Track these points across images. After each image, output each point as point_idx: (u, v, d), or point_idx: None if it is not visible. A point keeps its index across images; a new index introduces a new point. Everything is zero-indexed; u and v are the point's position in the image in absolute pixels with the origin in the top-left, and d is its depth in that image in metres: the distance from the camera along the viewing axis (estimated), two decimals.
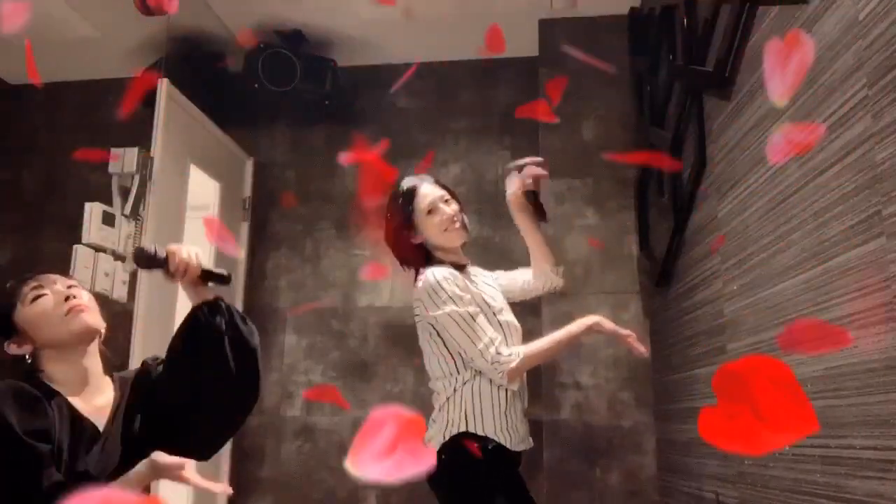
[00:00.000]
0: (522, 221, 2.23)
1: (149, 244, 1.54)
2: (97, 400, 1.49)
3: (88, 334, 1.50)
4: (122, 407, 1.51)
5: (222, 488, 1.49)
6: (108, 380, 1.56)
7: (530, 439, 2.09)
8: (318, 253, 3.64)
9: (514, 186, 2.21)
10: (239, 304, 3.59)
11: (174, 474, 1.37)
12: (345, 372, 3.48)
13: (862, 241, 1.33)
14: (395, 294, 3.54)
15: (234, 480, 3.40)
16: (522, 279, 2.29)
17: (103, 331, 1.55)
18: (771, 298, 1.72)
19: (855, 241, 1.35)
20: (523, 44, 3.43)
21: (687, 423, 2.42)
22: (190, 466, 1.40)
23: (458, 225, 2.11)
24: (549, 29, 3.32)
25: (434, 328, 2.02)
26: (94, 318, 1.50)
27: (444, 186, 2.18)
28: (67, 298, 1.48)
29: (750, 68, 1.90)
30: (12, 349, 1.49)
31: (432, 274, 2.01)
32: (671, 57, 2.63)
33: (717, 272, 2.11)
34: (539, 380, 2.97)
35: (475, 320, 1.97)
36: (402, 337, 3.40)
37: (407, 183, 2.16)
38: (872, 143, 1.29)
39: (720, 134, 2.12)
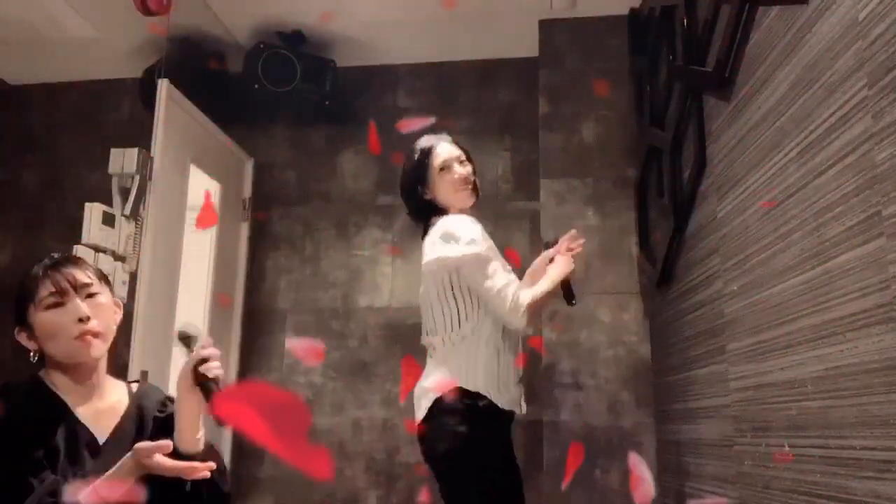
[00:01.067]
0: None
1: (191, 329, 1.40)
2: (99, 403, 1.47)
3: (94, 362, 1.45)
4: (130, 428, 1.46)
5: (207, 467, 1.34)
6: (111, 381, 1.53)
7: (524, 405, 2.15)
8: (317, 253, 3.64)
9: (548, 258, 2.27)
10: (239, 305, 3.60)
11: (158, 462, 1.27)
12: (345, 372, 3.48)
13: (862, 241, 1.33)
14: (395, 294, 3.54)
15: (235, 480, 3.41)
16: None
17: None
18: (771, 299, 1.72)
19: (855, 242, 1.35)
20: (523, 44, 3.43)
21: (687, 424, 2.42)
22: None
23: (469, 186, 2.20)
24: (549, 29, 3.32)
25: (448, 276, 2.05)
26: (103, 345, 1.44)
27: (462, 148, 2.26)
28: (81, 320, 1.40)
29: (750, 69, 1.90)
30: (21, 339, 1.44)
31: (454, 219, 2.10)
32: (671, 57, 2.63)
33: (718, 272, 2.11)
34: (539, 380, 2.97)
35: (493, 265, 2.04)
36: (402, 337, 3.40)
37: (425, 141, 2.25)
38: (872, 144, 1.29)
39: (720, 134, 2.12)
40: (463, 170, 2.20)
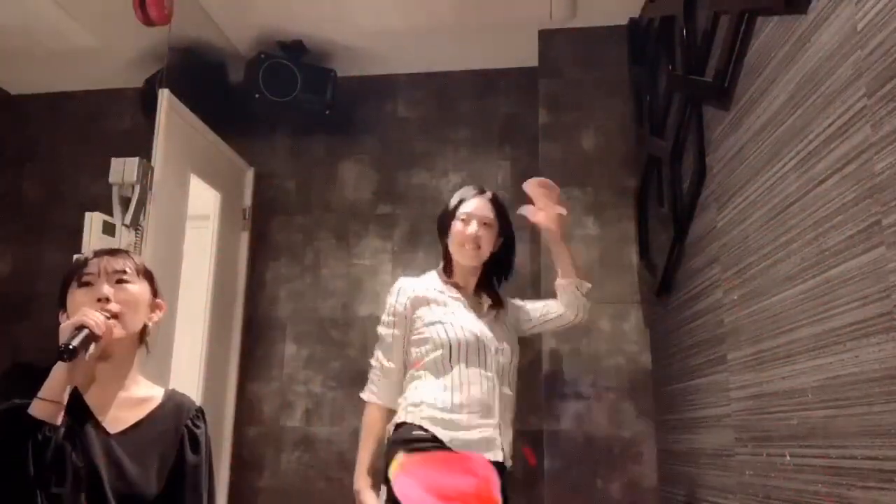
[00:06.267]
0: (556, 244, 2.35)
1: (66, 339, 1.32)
2: (122, 394, 1.47)
3: (112, 347, 1.45)
4: (158, 427, 1.48)
5: None
6: (144, 381, 1.54)
7: None
8: (318, 262, 3.64)
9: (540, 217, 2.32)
10: (238, 314, 3.60)
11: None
12: (344, 382, 3.47)
13: (862, 250, 1.33)
14: None
15: (234, 490, 3.39)
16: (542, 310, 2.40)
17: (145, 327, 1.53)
18: (771, 308, 1.72)
19: (855, 251, 1.35)
20: (523, 54, 3.45)
21: (688, 434, 2.41)
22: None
23: (471, 247, 2.24)
24: (549, 39, 3.34)
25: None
26: (119, 328, 1.43)
27: (502, 218, 2.31)
28: (100, 300, 1.43)
29: (749, 78, 1.90)
30: (61, 319, 1.46)
31: (398, 282, 2.34)
32: (670, 67, 2.64)
33: (718, 282, 2.11)
34: (540, 390, 2.96)
35: (378, 350, 2.29)
36: None
37: (467, 191, 2.33)
38: (872, 153, 1.29)
39: (720, 144, 2.13)
40: (474, 230, 2.22)
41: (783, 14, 1.69)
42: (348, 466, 3.37)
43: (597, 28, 3.28)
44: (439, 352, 2.12)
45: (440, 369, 2.12)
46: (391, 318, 2.24)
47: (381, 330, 2.26)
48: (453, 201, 2.30)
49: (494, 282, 2.35)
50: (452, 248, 2.26)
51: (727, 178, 2.05)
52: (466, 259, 2.24)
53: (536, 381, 3.01)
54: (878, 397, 1.28)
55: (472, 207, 2.26)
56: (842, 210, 1.40)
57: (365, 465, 2.15)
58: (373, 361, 2.25)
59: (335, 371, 3.50)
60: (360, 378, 3.44)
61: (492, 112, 3.67)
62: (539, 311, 2.40)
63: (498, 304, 2.30)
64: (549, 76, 3.31)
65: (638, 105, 3.12)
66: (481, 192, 2.32)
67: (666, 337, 2.71)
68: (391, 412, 2.16)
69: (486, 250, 2.26)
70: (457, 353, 2.12)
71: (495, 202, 2.31)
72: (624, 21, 3.24)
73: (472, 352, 2.13)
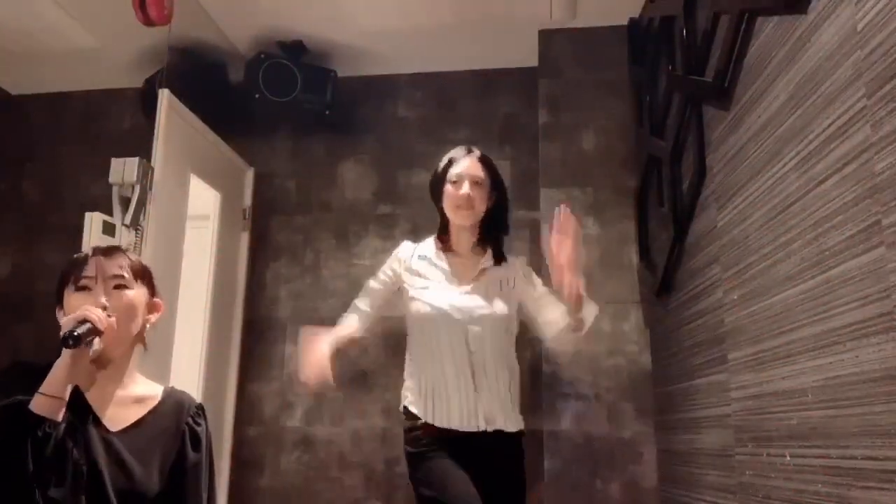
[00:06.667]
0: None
1: (69, 328, 1.33)
2: (121, 393, 1.47)
3: (108, 353, 1.44)
4: (159, 424, 1.49)
5: None
6: (141, 379, 1.54)
7: None
8: (318, 263, 3.64)
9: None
10: (238, 314, 3.59)
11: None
12: (345, 382, 3.46)
13: (862, 250, 1.33)
14: (395, 304, 3.52)
15: (234, 490, 3.39)
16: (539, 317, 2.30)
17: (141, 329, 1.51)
18: (772, 308, 1.72)
19: (855, 251, 1.35)
20: (523, 54, 3.45)
21: (688, 434, 2.41)
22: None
23: (465, 208, 2.24)
24: (549, 39, 3.33)
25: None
26: (113, 341, 1.42)
27: (491, 173, 2.29)
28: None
29: (749, 78, 1.90)
30: (59, 317, 1.46)
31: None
32: (670, 67, 2.64)
33: (718, 281, 2.11)
34: (539, 390, 2.96)
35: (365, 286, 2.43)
36: (402, 347, 3.38)
37: (455, 151, 2.32)
38: (872, 153, 1.29)
39: (720, 144, 2.13)
40: (466, 190, 2.22)
41: (783, 14, 1.69)
42: (348, 466, 3.40)
43: (597, 28, 3.28)
44: (417, 329, 2.25)
45: (418, 347, 2.24)
46: (382, 276, 2.37)
47: (370, 280, 2.39)
48: (442, 163, 2.30)
49: (496, 237, 2.35)
50: (447, 210, 2.28)
51: (727, 178, 2.05)
52: (462, 219, 2.26)
53: (536, 381, 3.01)
54: (878, 397, 1.28)
55: (462, 168, 2.26)
56: (842, 210, 1.40)
57: (333, 336, 2.30)
58: (356, 302, 2.41)
59: (335, 371, 3.49)
60: (360, 378, 3.48)
61: (492, 112, 3.67)
62: (536, 308, 2.27)
63: (499, 259, 2.31)
64: (549, 76, 3.31)
65: (638, 105, 3.12)
66: (469, 151, 2.31)
67: (666, 337, 2.71)
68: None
69: (481, 208, 2.27)
70: (430, 330, 2.19)
71: (484, 160, 2.30)
72: (624, 21, 3.24)
73: (443, 327, 2.18)
